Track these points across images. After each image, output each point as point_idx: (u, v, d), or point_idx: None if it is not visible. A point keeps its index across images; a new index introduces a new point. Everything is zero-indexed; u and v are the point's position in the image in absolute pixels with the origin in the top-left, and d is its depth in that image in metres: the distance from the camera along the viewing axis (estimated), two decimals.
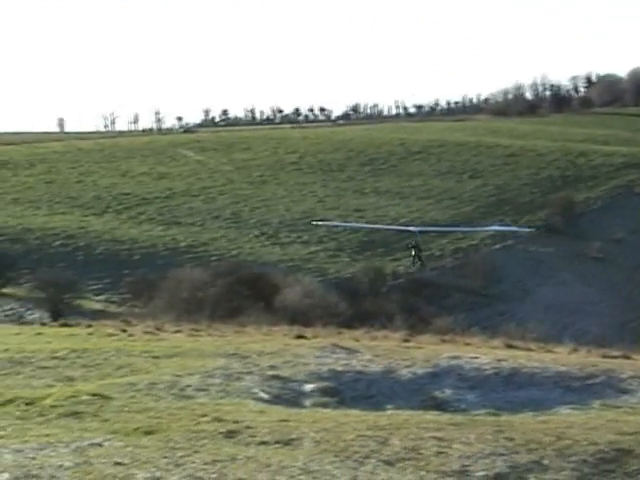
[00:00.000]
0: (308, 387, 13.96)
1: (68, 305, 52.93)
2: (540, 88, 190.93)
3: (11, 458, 8.32)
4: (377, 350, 17.42)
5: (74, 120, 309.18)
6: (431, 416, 11.56)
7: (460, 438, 9.83)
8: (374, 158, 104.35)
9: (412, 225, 53.70)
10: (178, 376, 13.75)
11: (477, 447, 9.47)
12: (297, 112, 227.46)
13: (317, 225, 48.42)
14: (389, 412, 12.20)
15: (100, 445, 9.11)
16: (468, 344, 20.97)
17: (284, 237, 75.04)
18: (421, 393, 14.43)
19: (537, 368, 15.77)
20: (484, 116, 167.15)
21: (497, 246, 74.98)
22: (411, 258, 39.69)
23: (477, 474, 8.60)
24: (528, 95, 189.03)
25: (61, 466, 8.12)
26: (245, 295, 48.95)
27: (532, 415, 12.36)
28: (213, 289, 49.04)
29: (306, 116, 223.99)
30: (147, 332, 20.75)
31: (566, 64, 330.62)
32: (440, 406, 13.51)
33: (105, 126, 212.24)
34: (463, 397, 14.20)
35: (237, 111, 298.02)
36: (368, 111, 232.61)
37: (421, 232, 42.15)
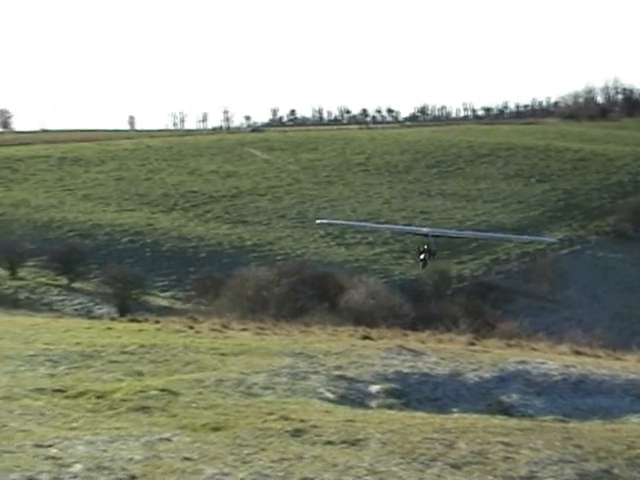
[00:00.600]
0: (374, 388, 13.96)
1: (135, 301, 53.61)
2: (612, 92, 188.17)
3: (83, 449, 8.44)
4: (443, 353, 17.35)
5: (144, 118, 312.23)
6: (498, 420, 11.49)
7: (527, 444, 9.75)
8: (441, 160, 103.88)
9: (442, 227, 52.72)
10: (245, 374, 13.82)
11: (545, 453, 9.39)
12: (364, 113, 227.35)
13: (321, 223, 46.38)
14: (455, 415, 12.15)
15: (169, 440, 9.20)
16: (535, 349, 20.78)
17: (349, 238, 75.04)
18: (487, 397, 14.34)
19: (606, 375, 15.59)
20: (554, 120, 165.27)
21: (564, 251, 74.19)
22: (420, 262, 36.63)
23: None
24: (599, 99, 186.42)
25: (131, 459, 8.22)
26: (310, 295, 49.02)
27: (601, 423, 12.24)
28: (278, 288, 49.21)
29: (373, 117, 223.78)
30: (214, 329, 20.88)
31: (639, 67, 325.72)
32: (506, 411, 13.42)
33: (174, 124, 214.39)
34: (530, 402, 14.09)
35: (305, 111, 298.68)
36: (436, 113, 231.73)
37: (433, 236, 39.58)
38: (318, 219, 48.97)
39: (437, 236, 38.18)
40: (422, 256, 35.34)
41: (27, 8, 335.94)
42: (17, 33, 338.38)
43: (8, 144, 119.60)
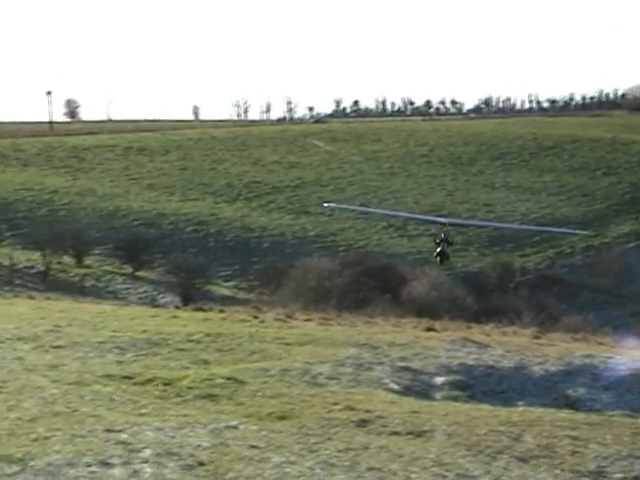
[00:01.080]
0: (439, 380, 13.94)
1: (198, 290, 54.02)
2: None
3: (152, 435, 8.54)
4: (508, 346, 17.27)
5: (208, 108, 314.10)
6: (565, 414, 11.40)
7: (596, 438, 9.66)
8: (505, 152, 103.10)
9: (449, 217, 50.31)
10: (310, 364, 13.88)
11: (614, 448, 9.30)
12: (428, 104, 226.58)
13: (329, 207, 44.50)
14: (521, 409, 12.08)
15: (236, 428, 9.27)
16: (601, 343, 20.58)
17: (412, 229, 74.86)
18: (553, 391, 14.24)
19: None
20: (621, 112, 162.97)
21: (630, 245, 73.27)
22: (438, 256, 34.20)
23: (614, 476, 8.43)
24: None
25: (199, 446, 8.30)
26: (372, 286, 48.97)
27: None
28: (340, 279, 49.22)
29: (437, 108, 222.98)
30: (278, 319, 21.00)
31: None
32: (573, 405, 13.31)
33: (238, 115, 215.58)
34: (597, 397, 13.96)
35: (368, 102, 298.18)
36: (500, 105, 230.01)
37: (450, 224, 37.52)
38: (326, 202, 47.32)
39: (455, 225, 37.27)
40: (439, 249, 33.73)
41: None
42: (85, 24, 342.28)
43: (75, 134, 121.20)
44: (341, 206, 48.41)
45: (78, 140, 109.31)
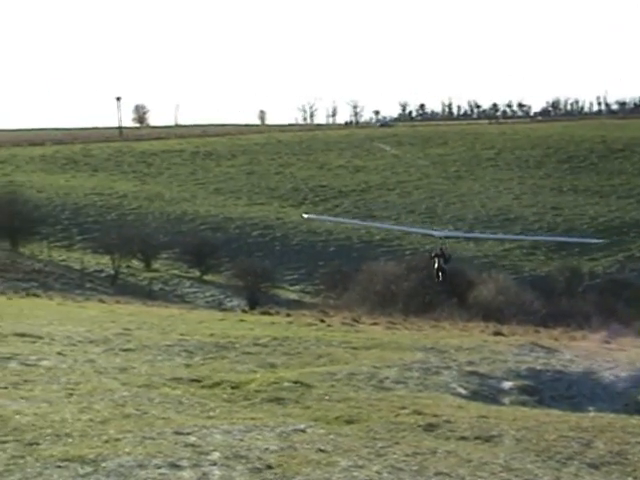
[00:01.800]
0: (507, 384, 13.83)
1: (265, 294, 54.24)
2: None
3: (221, 438, 8.60)
4: (577, 350, 17.08)
5: (275, 113, 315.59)
6: (636, 420, 11.22)
7: None
8: (573, 155, 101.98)
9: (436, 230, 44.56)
10: (377, 368, 13.87)
11: None
12: (495, 107, 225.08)
13: (308, 217, 40.92)
14: (591, 414, 11.93)
15: (303, 431, 9.29)
16: None
17: (479, 233, 74.40)
18: (624, 397, 14.04)
19: None
20: None
21: None
22: (436, 272, 30.73)
23: None
24: None
25: (267, 449, 8.33)
26: (438, 290, 48.74)
27: None
28: (406, 283, 49.05)
29: (504, 111, 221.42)
30: (345, 323, 21.02)
31: None
32: None
33: (304, 119, 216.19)
34: None
35: (434, 105, 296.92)
36: (568, 107, 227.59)
37: (446, 237, 33.35)
38: (305, 214, 43.71)
39: (448, 237, 33.98)
40: (436, 264, 30.45)
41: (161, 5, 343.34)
42: (153, 31, 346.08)
43: (144, 139, 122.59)
44: (321, 217, 45.17)
45: (146, 145, 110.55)
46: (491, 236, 45.50)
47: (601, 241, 50.09)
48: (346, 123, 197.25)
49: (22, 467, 7.24)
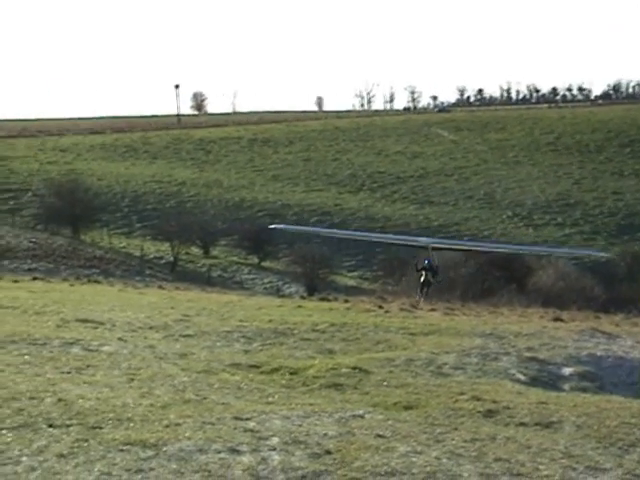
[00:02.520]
0: (566, 370, 13.71)
1: (323, 280, 54.35)
2: None
3: (280, 424, 8.66)
4: (639, 336, 16.87)
5: (332, 99, 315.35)
6: None
7: None
8: (635, 139, 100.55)
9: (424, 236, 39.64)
10: (435, 354, 13.84)
11: None
12: (554, 92, 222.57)
13: (275, 228, 37.72)
14: None
15: (362, 417, 9.31)
16: None
17: (538, 219, 73.81)
18: None
19: None
20: None
21: None
22: (420, 290, 28.31)
23: None
24: None
25: (326, 434, 8.37)
26: (497, 276, 48.46)
27: None
28: (465, 269, 48.83)
29: (564, 96, 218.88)
30: (403, 309, 20.97)
31: None
32: None
33: (362, 105, 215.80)
34: None
35: (492, 90, 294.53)
36: (630, 90, 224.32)
37: (436, 249, 29.90)
38: (273, 224, 39.58)
39: (439, 249, 30.65)
40: (422, 278, 28.30)
41: None
42: (210, 19, 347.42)
43: (202, 126, 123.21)
44: (289, 227, 41.45)
45: (205, 133, 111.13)
46: (481, 244, 41.02)
47: (606, 255, 46.81)
48: (405, 109, 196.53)
49: (86, 450, 7.36)
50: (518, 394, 11.21)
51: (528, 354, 14.39)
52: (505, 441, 8.58)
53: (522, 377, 12.92)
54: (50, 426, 8.03)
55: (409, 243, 35.77)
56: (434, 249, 29.79)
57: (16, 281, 26.35)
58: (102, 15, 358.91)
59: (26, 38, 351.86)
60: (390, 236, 45.48)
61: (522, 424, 9.45)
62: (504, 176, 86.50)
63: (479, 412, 9.87)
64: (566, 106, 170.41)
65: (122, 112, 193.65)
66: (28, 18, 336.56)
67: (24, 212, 67.24)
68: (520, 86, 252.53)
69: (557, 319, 20.49)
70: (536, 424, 9.45)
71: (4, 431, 7.81)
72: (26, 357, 11.56)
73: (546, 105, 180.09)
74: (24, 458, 7.11)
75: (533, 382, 12.76)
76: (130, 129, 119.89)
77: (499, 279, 47.66)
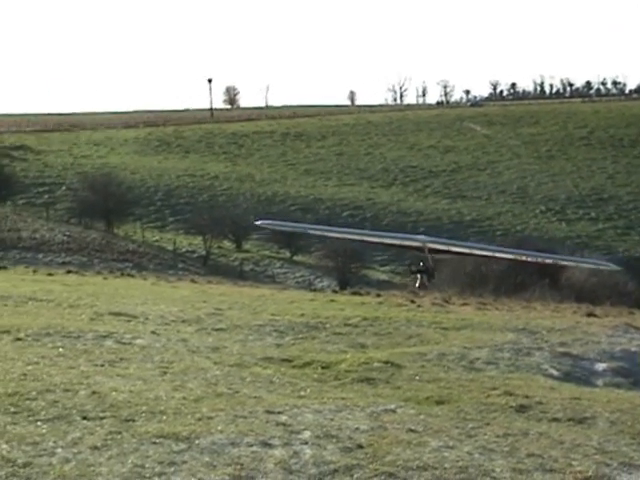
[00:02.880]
0: (600, 366, 13.63)
1: (355, 274, 54.40)
2: None
3: (311, 418, 8.67)
4: None
5: (364, 93, 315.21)
6: None
7: None
8: None
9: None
10: (467, 348, 13.81)
11: None
12: (588, 85, 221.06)
13: (262, 224, 35.38)
14: None
15: (393, 411, 9.31)
16: None
17: (571, 213, 73.42)
18: None
19: None
20: None
21: None
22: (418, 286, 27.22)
23: None
24: None
25: (357, 429, 8.38)
26: (530, 271, 48.25)
27: None
28: (497, 264, 48.67)
29: (598, 89, 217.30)
30: (435, 304, 20.93)
31: None
32: None
33: (394, 99, 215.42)
34: None
35: (526, 84, 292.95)
36: None
37: (433, 251, 28.00)
38: (259, 219, 36.88)
39: (436, 251, 28.49)
40: (418, 282, 27.30)
41: None
42: (243, 12, 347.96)
43: (235, 120, 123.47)
44: (274, 223, 37.95)
45: (237, 127, 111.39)
46: (483, 247, 37.61)
47: (617, 268, 41.58)
48: (438, 103, 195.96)
49: (119, 442, 7.41)
50: (551, 389, 11.16)
51: (561, 349, 14.32)
52: (538, 436, 8.54)
53: (555, 372, 12.86)
54: (84, 418, 8.10)
55: (405, 243, 32.86)
56: (430, 251, 28.12)
57: (50, 274, 26.57)
58: (136, 9, 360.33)
59: (61, 32, 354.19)
60: (384, 233, 41.38)
61: (555, 419, 9.41)
62: (537, 170, 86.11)
63: (511, 407, 9.84)
64: (600, 100, 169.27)
65: (155, 106, 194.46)
66: (62, 12, 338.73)
67: (58, 206, 67.73)
68: (554, 80, 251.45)
69: (590, 314, 20.35)
70: (569, 420, 9.40)
71: (39, 423, 7.88)
72: (60, 350, 11.66)
73: (580, 99, 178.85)
74: (59, 450, 7.17)
75: (566, 377, 12.70)
76: (163, 123, 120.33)
77: (532, 274, 47.44)
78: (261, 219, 37.47)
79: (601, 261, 45.12)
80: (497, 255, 37.01)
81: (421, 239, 29.90)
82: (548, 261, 38.19)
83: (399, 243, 34.15)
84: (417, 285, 27.57)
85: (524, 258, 36.49)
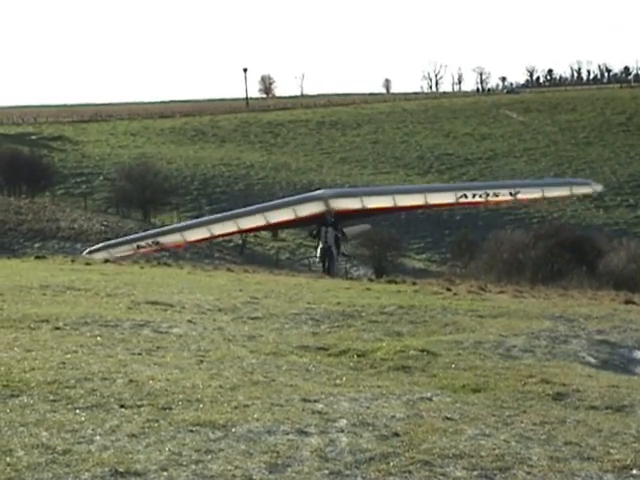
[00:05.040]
0: (638, 354, 13.54)
1: (391, 263, 54.45)
2: None
3: (347, 406, 8.69)
4: None
5: (400, 81, 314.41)
6: None
7: None
8: None
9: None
10: (503, 336, 13.75)
11: None
12: (627, 71, 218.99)
13: (90, 251, 29.77)
14: None
15: (430, 399, 9.31)
16: None
17: (609, 200, 72.91)
18: None
19: None
20: None
21: None
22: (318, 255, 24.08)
23: None
24: None
25: (394, 417, 8.38)
26: (567, 259, 48.05)
27: None
28: (534, 251, 48.51)
29: (636, 75, 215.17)
30: (471, 292, 20.83)
31: None
32: None
33: (429, 87, 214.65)
34: None
35: (562, 70, 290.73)
36: None
37: (341, 213, 24.60)
38: (86, 250, 32.41)
39: (345, 213, 25.03)
40: (319, 248, 25.28)
41: None
42: (277, 2, 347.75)
43: (270, 110, 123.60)
44: (102, 245, 30.51)
45: (273, 116, 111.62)
46: (403, 189, 33.49)
47: (598, 187, 32.43)
48: (478, 90, 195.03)
49: (156, 430, 7.47)
50: (588, 377, 11.11)
51: (599, 337, 14.23)
52: (575, 424, 8.51)
53: (592, 360, 12.79)
54: (122, 406, 8.17)
55: (302, 213, 26.74)
56: (338, 214, 24.57)
57: (88, 264, 26.69)
58: (171, 0, 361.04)
59: (98, 23, 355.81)
60: (260, 206, 31.32)
61: (592, 407, 9.37)
62: (574, 157, 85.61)
63: (548, 395, 9.80)
64: (638, 85, 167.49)
65: (191, 96, 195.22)
66: (98, 4, 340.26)
67: (96, 196, 68.31)
68: (591, 66, 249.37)
69: (628, 302, 20.19)
70: (607, 407, 9.36)
71: (78, 411, 7.96)
72: (98, 338, 11.75)
73: (618, 85, 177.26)
74: (97, 437, 7.24)
75: (604, 365, 12.63)
76: (199, 113, 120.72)
77: (569, 261, 47.26)
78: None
79: (577, 179, 37.94)
80: (429, 202, 30.29)
81: (319, 194, 25.51)
82: (503, 198, 30.62)
83: (293, 217, 27.38)
84: (319, 253, 24.23)
85: (462, 200, 29.68)
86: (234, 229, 30.00)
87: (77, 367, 9.64)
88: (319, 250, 25.54)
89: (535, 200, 36.18)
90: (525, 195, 30.79)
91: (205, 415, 7.93)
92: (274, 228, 34.39)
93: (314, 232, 25.48)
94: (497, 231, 53.42)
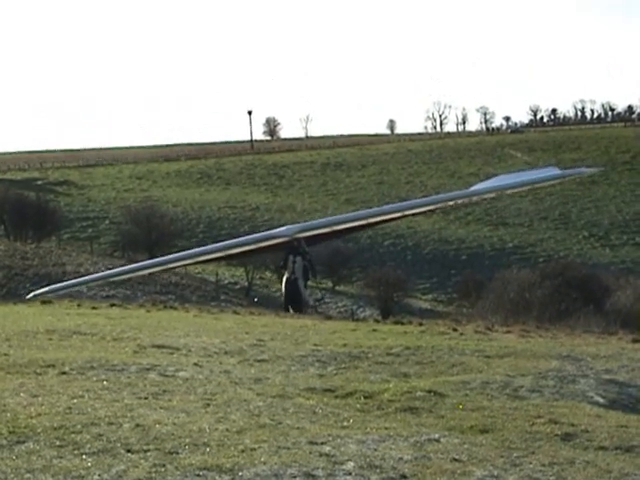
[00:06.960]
0: None
1: (397, 303, 54.32)
2: None
3: (355, 448, 8.65)
4: None
5: (404, 122, 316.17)
6: None
7: None
8: None
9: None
10: (510, 376, 13.69)
11: None
12: (630, 110, 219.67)
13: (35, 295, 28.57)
14: None
15: (437, 441, 9.26)
16: None
17: (615, 239, 72.84)
18: None
19: None
20: None
21: None
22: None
23: None
24: None
25: (401, 458, 8.34)
26: (573, 297, 47.90)
27: None
28: (540, 290, 48.38)
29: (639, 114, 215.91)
30: (478, 331, 20.75)
31: None
32: None
33: (434, 127, 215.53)
34: None
35: (566, 109, 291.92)
36: None
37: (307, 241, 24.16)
38: (32, 293, 29.79)
39: (313, 240, 24.51)
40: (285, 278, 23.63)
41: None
42: (282, 46, 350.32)
43: (275, 151, 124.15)
44: (46, 289, 29.08)
45: (278, 158, 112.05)
46: (358, 215, 30.25)
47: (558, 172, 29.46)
48: (487, 130, 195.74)
49: (163, 475, 7.44)
50: (597, 417, 11.04)
51: (607, 376, 14.16)
52: (584, 465, 8.45)
53: (601, 400, 12.72)
54: (128, 451, 8.13)
55: (262, 245, 25.99)
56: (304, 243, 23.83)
57: (94, 308, 26.67)
58: (177, 43, 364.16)
59: (101, 66, 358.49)
60: (212, 247, 30.02)
61: (602, 448, 9.31)
62: (579, 196, 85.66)
63: (557, 435, 9.74)
64: None
65: (196, 139, 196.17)
66: (101, 46, 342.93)
67: (102, 239, 68.44)
68: (594, 105, 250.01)
69: (636, 341, 20.09)
70: (616, 448, 9.29)
71: (84, 456, 7.93)
72: (104, 383, 11.72)
73: (622, 123, 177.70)
74: None
75: (612, 405, 12.55)
76: (204, 155, 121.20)
77: (575, 300, 47.12)
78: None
79: (548, 169, 31.49)
80: (382, 218, 28.47)
81: (283, 232, 25.05)
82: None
83: (256, 246, 26.31)
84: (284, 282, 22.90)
85: (411, 212, 28.18)
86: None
87: (83, 412, 9.62)
88: (284, 283, 24.70)
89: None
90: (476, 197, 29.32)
91: (212, 459, 7.89)
92: (235, 258, 33.64)
93: (282, 263, 24.69)
94: (503, 270, 53.39)
